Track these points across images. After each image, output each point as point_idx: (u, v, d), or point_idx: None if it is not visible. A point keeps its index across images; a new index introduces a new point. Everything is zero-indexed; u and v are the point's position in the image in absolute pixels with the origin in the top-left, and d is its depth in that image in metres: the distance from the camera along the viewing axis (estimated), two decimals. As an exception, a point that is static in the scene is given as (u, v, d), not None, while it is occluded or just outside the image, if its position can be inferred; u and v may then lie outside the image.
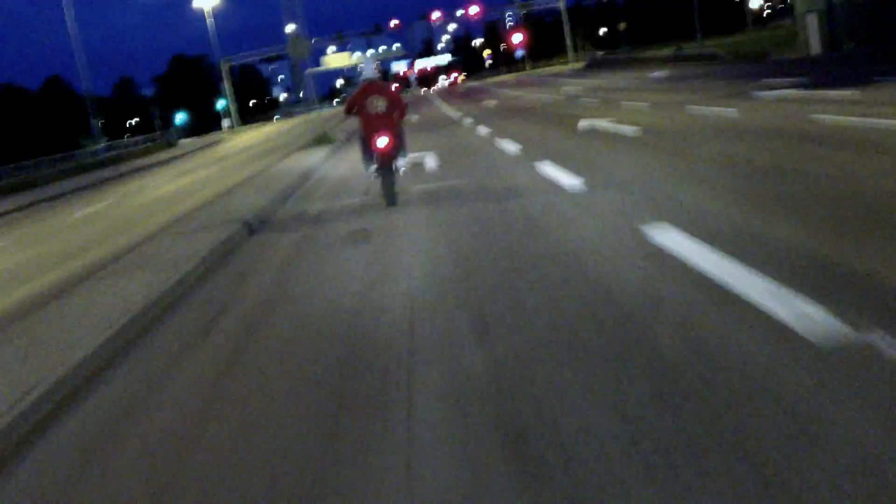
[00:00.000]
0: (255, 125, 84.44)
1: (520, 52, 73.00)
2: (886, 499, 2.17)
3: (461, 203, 9.01)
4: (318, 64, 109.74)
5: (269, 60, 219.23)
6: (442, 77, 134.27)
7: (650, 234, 5.68)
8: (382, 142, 9.21)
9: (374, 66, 10.18)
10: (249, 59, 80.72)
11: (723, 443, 2.59)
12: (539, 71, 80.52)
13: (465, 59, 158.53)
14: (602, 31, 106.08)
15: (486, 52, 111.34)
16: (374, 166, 9.44)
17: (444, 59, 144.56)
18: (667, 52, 48.38)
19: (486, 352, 3.91)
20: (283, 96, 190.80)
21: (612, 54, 65.09)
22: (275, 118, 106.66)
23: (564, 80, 44.26)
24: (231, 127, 76.44)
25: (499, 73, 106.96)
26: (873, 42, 25.20)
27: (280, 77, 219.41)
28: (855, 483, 2.25)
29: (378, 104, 9.39)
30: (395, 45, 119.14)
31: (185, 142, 66.98)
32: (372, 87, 9.54)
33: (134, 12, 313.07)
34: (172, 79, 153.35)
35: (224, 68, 79.00)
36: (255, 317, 5.65)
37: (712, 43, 46.84)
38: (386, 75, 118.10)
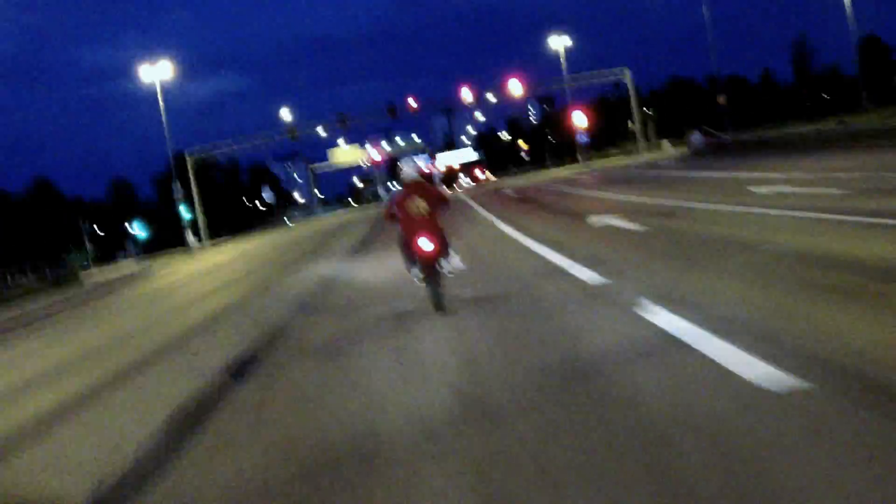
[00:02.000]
0: (251, 235, 65.92)
1: (583, 138, 55.13)
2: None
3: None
4: (325, 158, 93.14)
5: (282, 159, 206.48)
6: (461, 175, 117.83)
7: None
8: (427, 245, 8.57)
9: (414, 165, 9.29)
10: (219, 150, 62.94)
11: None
12: (607, 163, 62.04)
13: (490, 154, 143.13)
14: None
15: (523, 146, 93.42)
16: (417, 270, 8.77)
17: (468, 153, 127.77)
18: (809, 129, 31.32)
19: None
20: (298, 197, 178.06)
21: (715, 136, 46.09)
22: (289, 222, 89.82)
23: (696, 176, 26.04)
24: (199, 242, 57.93)
25: (541, 168, 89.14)
26: None
27: (294, 175, 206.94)
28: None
29: (420, 206, 8.71)
30: (414, 137, 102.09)
31: (111, 270, 48.42)
32: (413, 189, 8.87)
33: (123, 107, 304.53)
34: (180, 178, 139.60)
35: (189, 163, 61.33)
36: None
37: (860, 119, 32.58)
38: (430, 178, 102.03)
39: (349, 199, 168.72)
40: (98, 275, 46.39)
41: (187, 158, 60.74)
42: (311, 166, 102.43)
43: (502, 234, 18.15)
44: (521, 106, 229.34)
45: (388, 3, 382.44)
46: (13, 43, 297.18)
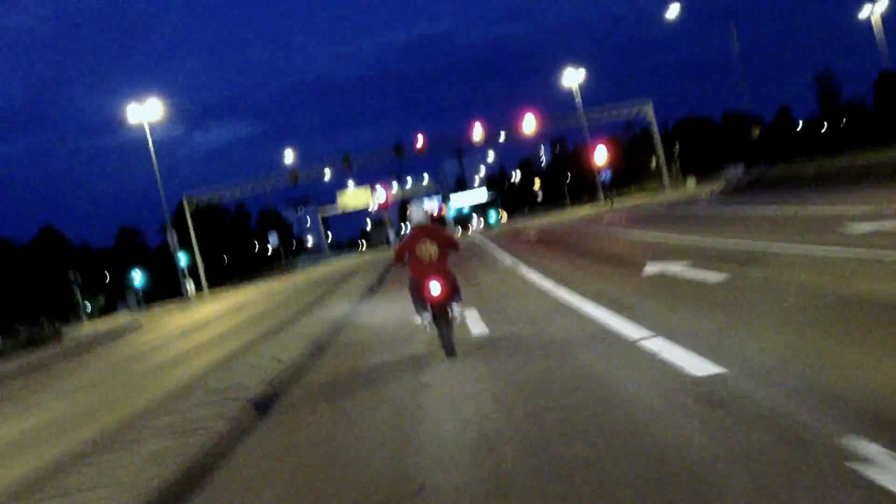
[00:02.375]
0: (257, 282, 62.77)
1: (606, 175, 51.81)
2: None
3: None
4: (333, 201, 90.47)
5: (293, 204, 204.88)
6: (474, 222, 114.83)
7: None
8: (436, 288, 8.52)
9: (424, 209, 9.38)
10: (219, 195, 60.12)
11: None
12: (630, 201, 58.61)
13: (503, 195, 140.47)
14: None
15: (536, 186, 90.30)
16: (427, 315, 8.67)
17: (481, 194, 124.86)
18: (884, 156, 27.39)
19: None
20: (310, 242, 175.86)
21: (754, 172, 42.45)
22: (298, 267, 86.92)
23: (753, 214, 22.85)
24: (197, 291, 54.67)
25: (558, 207, 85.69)
26: None
27: (308, 220, 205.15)
28: None
29: (430, 250, 8.70)
30: (425, 178, 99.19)
31: (95, 326, 45.33)
32: (422, 232, 8.86)
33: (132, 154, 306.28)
34: (183, 225, 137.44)
35: (187, 209, 58.53)
36: None
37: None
38: (442, 220, 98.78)
39: (361, 242, 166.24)
40: (87, 329, 43.27)
41: (185, 204, 57.94)
42: (319, 210, 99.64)
43: (531, 284, 15.14)
44: (532, 147, 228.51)
45: (396, 46, 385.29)
46: (23, 93, 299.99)
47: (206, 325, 26.41)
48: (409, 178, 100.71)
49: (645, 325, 7.83)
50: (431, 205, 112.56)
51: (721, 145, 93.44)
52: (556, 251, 22.76)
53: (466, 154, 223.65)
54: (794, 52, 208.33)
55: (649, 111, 61.19)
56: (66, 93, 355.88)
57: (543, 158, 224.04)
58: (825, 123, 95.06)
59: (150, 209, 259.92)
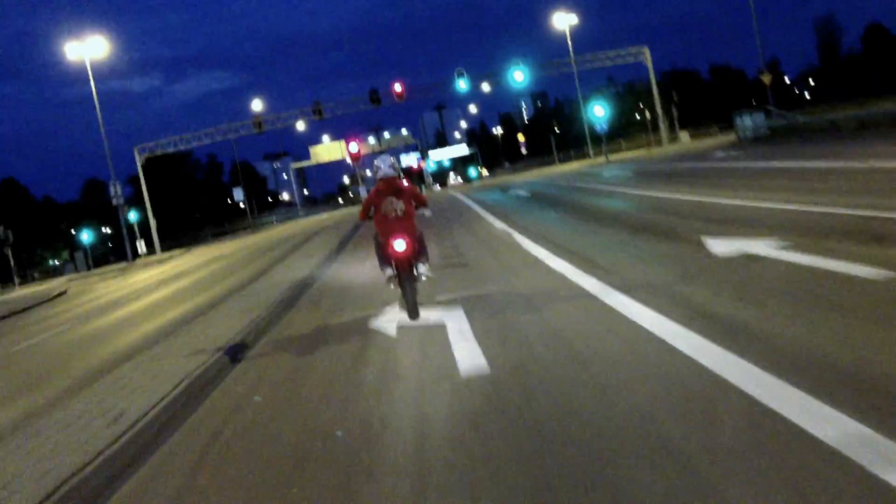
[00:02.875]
0: (220, 240, 57.46)
1: (602, 125, 46.48)
2: None
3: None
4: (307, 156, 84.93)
5: (271, 158, 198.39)
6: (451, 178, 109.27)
7: None
8: (400, 245, 7.92)
9: (390, 162, 8.55)
10: (178, 147, 54.08)
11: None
12: (625, 156, 53.95)
13: (484, 150, 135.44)
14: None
15: (521, 139, 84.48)
16: (389, 271, 8.18)
17: (461, 149, 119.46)
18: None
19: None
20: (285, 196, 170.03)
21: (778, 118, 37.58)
22: (279, 220, 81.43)
23: (808, 167, 18.15)
24: (144, 254, 49.24)
25: (545, 162, 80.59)
26: None
27: (285, 175, 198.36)
28: None
29: (396, 206, 8.15)
30: (404, 133, 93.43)
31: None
32: (388, 187, 8.25)
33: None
34: (149, 178, 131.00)
35: (139, 160, 52.90)
36: None
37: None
38: (421, 175, 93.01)
39: (339, 198, 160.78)
40: (13, 294, 37.94)
41: (137, 156, 52.16)
42: (293, 165, 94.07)
43: (541, 265, 10.83)
44: (514, 101, 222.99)
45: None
46: (10, 42, 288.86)
47: (140, 294, 21.88)
48: (385, 133, 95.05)
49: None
50: (410, 159, 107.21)
51: (710, 99, 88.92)
52: (563, 216, 17.95)
53: (447, 107, 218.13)
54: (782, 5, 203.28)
55: (647, 57, 55.94)
56: (40, 45, 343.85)
57: (525, 113, 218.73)
58: (819, 77, 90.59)
59: (121, 161, 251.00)
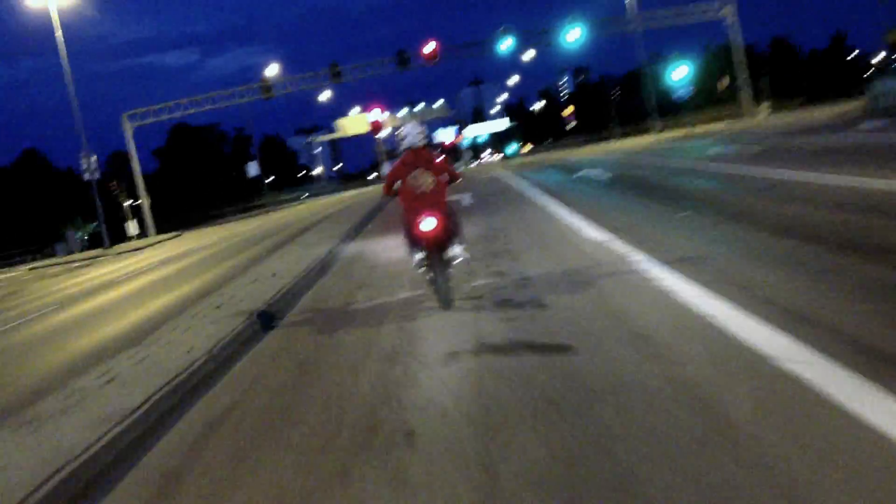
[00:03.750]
0: (227, 221, 49.67)
1: (683, 91, 37.70)
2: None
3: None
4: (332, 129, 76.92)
5: (305, 132, 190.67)
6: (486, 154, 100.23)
7: None
8: (429, 223, 6.87)
9: (419, 129, 7.34)
10: (173, 114, 45.81)
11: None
12: (696, 130, 45.25)
13: (525, 125, 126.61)
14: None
15: (568, 111, 75.06)
16: (420, 256, 7.12)
17: (502, 123, 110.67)
18: None
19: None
20: (318, 172, 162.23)
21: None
22: (302, 197, 73.77)
23: None
24: (135, 235, 41.67)
25: (599, 138, 71.35)
26: None
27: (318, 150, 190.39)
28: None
29: (424, 180, 7.04)
30: (439, 103, 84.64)
31: None
32: (415, 158, 7.11)
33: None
34: (173, 151, 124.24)
35: (127, 130, 44.90)
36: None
37: None
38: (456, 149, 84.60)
39: (370, 175, 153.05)
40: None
41: (126, 124, 44.00)
42: (318, 138, 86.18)
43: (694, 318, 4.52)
44: (552, 78, 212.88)
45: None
46: (41, 18, 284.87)
47: (94, 292, 16.32)
48: (421, 104, 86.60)
49: None
50: (448, 133, 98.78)
51: (772, 73, 79.06)
52: (699, 218, 9.92)
53: (484, 82, 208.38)
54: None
55: (730, 15, 46.58)
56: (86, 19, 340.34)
57: (565, 87, 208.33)
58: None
59: (145, 133, 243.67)
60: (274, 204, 62.53)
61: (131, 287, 16.22)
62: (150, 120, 44.31)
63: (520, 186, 22.09)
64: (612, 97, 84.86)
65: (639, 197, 13.96)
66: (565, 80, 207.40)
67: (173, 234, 41.58)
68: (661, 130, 52.24)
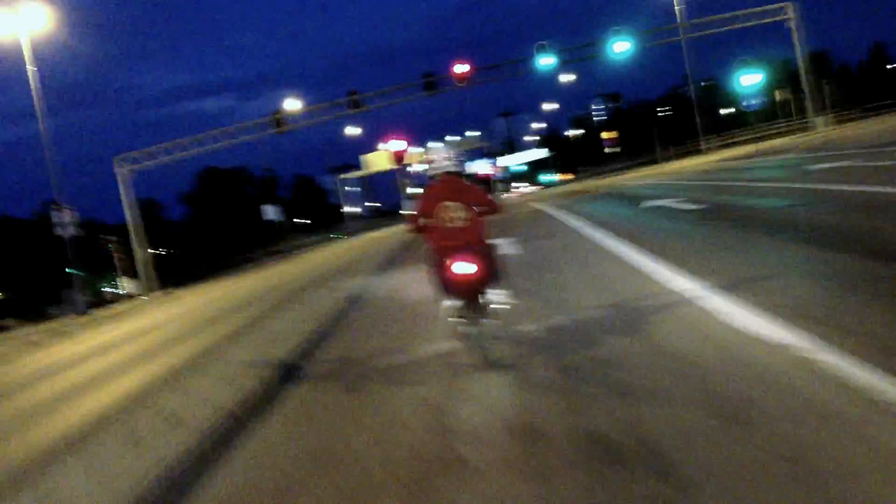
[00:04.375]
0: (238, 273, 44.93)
1: (754, 103, 32.28)
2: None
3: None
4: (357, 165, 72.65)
5: (337, 171, 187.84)
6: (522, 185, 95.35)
7: None
8: (464, 267, 5.69)
9: (448, 154, 6.14)
10: (172, 155, 41.17)
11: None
12: (749, 148, 39.51)
13: (561, 153, 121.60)
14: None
15: (610, 135, 69.50)
16: (452, 304, 5.85)
17: (537, 153, 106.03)
18: None
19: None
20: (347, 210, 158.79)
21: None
22: (335, 236, 69.37)
23: None
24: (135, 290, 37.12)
25: (644, 162, 65.90)
26: None
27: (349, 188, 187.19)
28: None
29: (456, 214, 5.83)
30: (472, 134, 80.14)
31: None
32: (444, 188, 5.93)
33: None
34: (203, 196, 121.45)
35: (120, 175, 40.56)
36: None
37: None
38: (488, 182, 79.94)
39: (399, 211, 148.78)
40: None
41: (118, 168, 39.55)
42: (342, 175, 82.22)
43: None
44: (585, 102, 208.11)
45: (450, 5, 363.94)
46: (80, 69, 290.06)
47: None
48: (449, 136, 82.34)
49: None
50: (481, 165, 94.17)
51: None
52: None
53: (515, 113, 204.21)
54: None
55: (793, 14, 41.07)
56: (120, 69, 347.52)
57: (595, 114, 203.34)
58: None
59: (173, 180, 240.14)
60: (291, 250, 57.54)
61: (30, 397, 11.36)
62: (147, 163, 39.91)
63: (575, 224, 17.05)
64: (658, 116, 79.50)
65: (767, 238, 8.94)
66: (602, 106, 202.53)
67: (161, 292, 36.54)
68: (714, 150, 46.95)
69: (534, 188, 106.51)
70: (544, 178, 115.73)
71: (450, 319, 5.90)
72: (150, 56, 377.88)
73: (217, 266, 56.88)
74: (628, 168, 66.67)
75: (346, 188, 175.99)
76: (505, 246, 14.69)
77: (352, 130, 70.87)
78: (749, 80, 31.62)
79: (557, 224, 18.59)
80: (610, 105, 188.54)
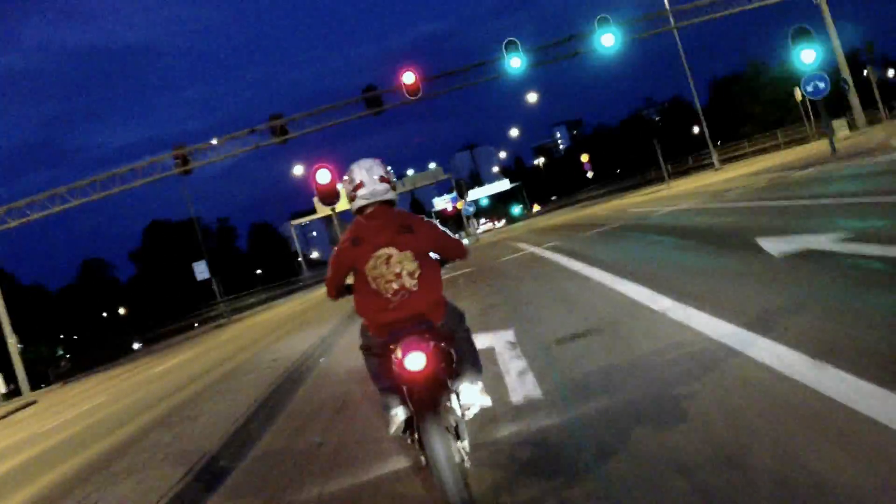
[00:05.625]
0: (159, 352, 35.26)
1: (821, 86, 24.15)
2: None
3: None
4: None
5: (300, 215, 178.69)
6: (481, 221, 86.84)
7: None
8: (416, 361, 3.48)
9: (380, 171, 3.96)
10: (32, 215, 30.77)
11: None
12: (763, 163, 31.11)
13: (527, 184, 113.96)
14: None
15: (584, 158, 61.40)
16: (400, 412, 3.86)
17: (502, 185, 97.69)
18: None
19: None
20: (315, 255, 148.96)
21: None
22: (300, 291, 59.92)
23: None
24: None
25: (625, 188, 57.69)
26: None
27: (315, 233, 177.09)
28: None
29: (401, 267, 3.70)
30: (432, 167, 71.10)
31: None
32: (380, 227, 3.81)
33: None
34: (153, 252, 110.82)
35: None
36: None
37: None
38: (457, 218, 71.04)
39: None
40: None
41: None
42: (292, 222, 72.78)
43: None
44: (548, 131, 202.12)
45: (394, 50, 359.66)
46: (42, 129, 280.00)
47: None
48: (409, 170, 73.30)
49: None
50: (444, 201, 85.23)
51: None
52: None
53: (479, 145, 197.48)
54: None
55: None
56: (75, 129, 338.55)
57: (561, 142, 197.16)
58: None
59: (116, 238, 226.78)
60: (229, 314, 47.74)
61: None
62: (11, 222, 30.27)
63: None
64: (656, 126, 71.35)
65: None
66: (558, 136, 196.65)
67: (25, 401, 26.75)
68: (721, 166, 38.79)
69: (499, 223, 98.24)
70: (514, 209, 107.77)
71: (400, 435, 4.00)
72: (102, 114, 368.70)
73: (142, 340, 47.22)
74: (613, 193, 58.31)
75: (307, 234, 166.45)
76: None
77: (299, 171, 61.82)
78: (810, 57, 23.37)
79: (570, 293, 9.55)
80: (574, 132, 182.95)
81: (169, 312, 73.25)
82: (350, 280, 3.93)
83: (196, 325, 57.09)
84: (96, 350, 62.10)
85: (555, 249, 17.26)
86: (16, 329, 29.61)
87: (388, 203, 3.86)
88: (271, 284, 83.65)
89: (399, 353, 3.51)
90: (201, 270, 42.68)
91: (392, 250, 3.66)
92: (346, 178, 3.93)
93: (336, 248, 3.94)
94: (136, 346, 63.99)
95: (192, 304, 69.30)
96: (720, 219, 14.57)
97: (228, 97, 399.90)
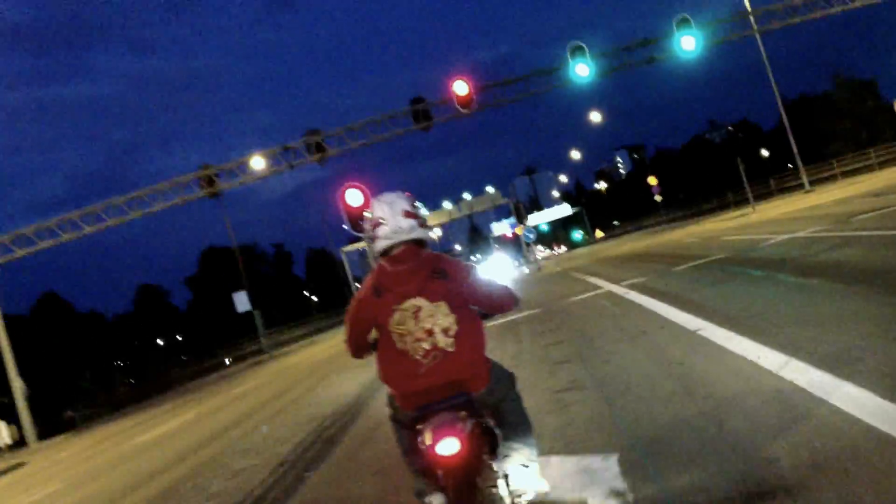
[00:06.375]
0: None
1: None
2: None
3: None
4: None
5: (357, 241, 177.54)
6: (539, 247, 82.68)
7: None
8: (450, 447, 2.77)
9: (405, 205, 3.21)
10: (42, 244, 28.18)
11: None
12: (842, 192, 27.56)
13: (589, 209, 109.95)
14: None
15: (652, 181, 57.60)
16: (435, 502, 3.09)
17: (563, 209, 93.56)
18: None
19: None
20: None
21: None
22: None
23: None
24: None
25: (702, 213, 53.50)
26: None
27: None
28: None
29: (434, 324, 3.02)
30: (489, 190, 67.51)
31: None
32: (407, 273, 3.12)
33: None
34: (207, 279, 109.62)
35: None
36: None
37: None
38: (516, 242, 65.97)
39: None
40: None
41: None
42: (343, 249, 70.17)
43: None
44: (607, 158, 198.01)
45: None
46: (104, 158, 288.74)
47: None
48: (465, 194, 69.85)
49: None
50: (503, 227, 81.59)
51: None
52: None
53: (538, 171, 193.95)
54: None
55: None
56: (140, 155, 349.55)
57: (622, 167, 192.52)
58: None
59: (174, 263, 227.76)
60: (271, 349, 44.74)
61: None
62: (19, 252, 27.88)
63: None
64: (736, 146, 66.67)
65: None
66: (618, 160, 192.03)
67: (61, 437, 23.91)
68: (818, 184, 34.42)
69: (560, 250, 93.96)
70: (575, 235, 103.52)
71: None
72: (167, 140, 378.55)
73: (170, 382, 44.46)
74: (686, 218, 53.79)
75: (364, 258, 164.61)
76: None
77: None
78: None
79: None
80: (635, 156, 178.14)
81: (216, 343, 71.22)
82: (374, 335, 3.16)
83: (228, 361, 54.17)
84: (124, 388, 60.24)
85: (643, 290, 13.32)
86: (69, 358, 27.13)
87: (418, 243, 3.18)
88: (326, 312, 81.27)
89: (428, 439, 2.83)
90: (242, 302, 39.84)
91: (422, 301, 3.03)
92: (366, 214, 3.22)
93: (354, 300, 3.27)
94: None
95: (237, 334, 66.95)
96: (865, 251, 10.55)
97: (290, 121, 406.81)
